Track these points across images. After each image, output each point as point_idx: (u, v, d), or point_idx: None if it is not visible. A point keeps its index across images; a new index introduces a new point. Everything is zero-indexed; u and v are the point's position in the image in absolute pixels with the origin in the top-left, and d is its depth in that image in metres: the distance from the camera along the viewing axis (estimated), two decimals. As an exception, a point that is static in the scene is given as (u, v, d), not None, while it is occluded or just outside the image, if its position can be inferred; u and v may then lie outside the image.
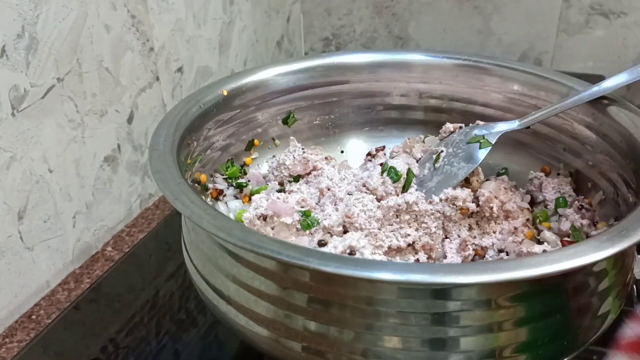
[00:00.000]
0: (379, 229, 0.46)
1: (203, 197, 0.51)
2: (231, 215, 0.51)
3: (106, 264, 0.60)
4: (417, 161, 0.54)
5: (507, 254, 0.46)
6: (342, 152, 0.62)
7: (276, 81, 0.56)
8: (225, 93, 0.52)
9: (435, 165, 0.51)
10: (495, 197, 0.48)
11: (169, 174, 0.39)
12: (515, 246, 0.45)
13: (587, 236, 0.47)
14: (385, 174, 0.49)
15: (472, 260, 0.46)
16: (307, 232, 0.46)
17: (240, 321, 0.37)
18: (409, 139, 0.57)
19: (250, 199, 0.51)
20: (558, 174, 0.54)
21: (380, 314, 0.33)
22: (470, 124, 0.54)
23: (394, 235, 0.46)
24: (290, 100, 0.58)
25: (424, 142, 0.57)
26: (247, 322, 0.37)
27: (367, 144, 0.61)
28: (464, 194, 0.47)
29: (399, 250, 0.45)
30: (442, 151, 0.52)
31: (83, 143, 0.58)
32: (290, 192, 0.50)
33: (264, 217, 0.46)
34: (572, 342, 0.35)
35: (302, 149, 0.56)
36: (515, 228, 0.47)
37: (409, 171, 0.50)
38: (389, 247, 0.45)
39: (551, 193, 0.51)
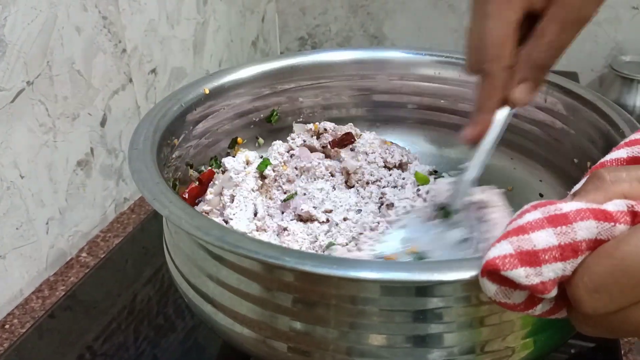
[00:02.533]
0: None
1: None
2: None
3: (81, 271, 0.59)
4: None
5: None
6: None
7: (258, 79, 0.56)
8: (207, 91, 0.51)
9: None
10: None
11: (148, 173, 0.38)
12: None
13: None
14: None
15: None
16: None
17: (225, 323, 0.37)
18: None
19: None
20: (540, 181, 0.54)
21: (363, 313, 0.32)
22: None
23: None
24: (274, 99, 0.58)
25: None
26: (233, 324, 0.36)
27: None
28: None
29: None
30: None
31: (55, 147, 0.57)
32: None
33: (291, 155, 0.53)
34: (559, 332, 0.36)
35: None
36: None
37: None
38: None
39: None
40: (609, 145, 0.44)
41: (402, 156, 0.55)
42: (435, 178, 0.54)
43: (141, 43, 0.68)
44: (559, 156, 0.53)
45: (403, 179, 0.53)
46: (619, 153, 0.31)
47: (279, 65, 0.57)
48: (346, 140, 0.56)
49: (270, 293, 0.34)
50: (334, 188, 0.53)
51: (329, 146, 0.56)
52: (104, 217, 0.66)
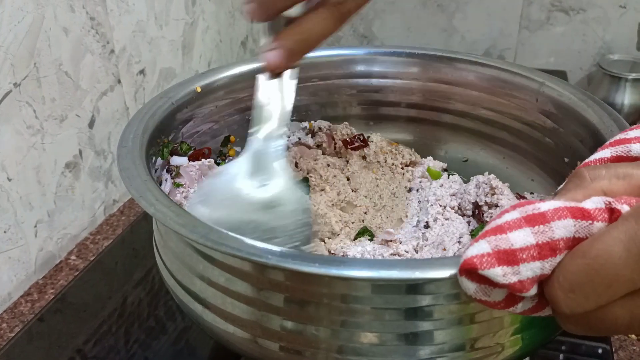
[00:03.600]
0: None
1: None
2: None
3: (70, 274, 0.59)
4: None
5: None
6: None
7: (250, 77, 0.56)
8: (198, 90, 0.51)
9: None
10: None
11: (136, 171, 0.38)
12: None
13: None
14: None
15: None
16: None
17: (216, 323, 0.36)
18: None
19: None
20: (532, 180, 0.54)
21: (353, 311, 0.32)
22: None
23: None
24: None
25: None
26: (223, 324, 0.36)
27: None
28: None
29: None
30: None
31: (43, 149, 0.56)
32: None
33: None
34: (544, 330, 0.36)
35: None
36: None
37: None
38: None
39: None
40: (598, 144, 0.44)
41: (411, 155, 0.57)
42: (449, 175, 0.54)
43: (129, 44, 0.67)
44: (550, 155, 0.53)
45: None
46: (603, 153, 0.31)
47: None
48: (359, 145, 0.56)
49: (260, 292, 0.34)
50: None
51: (338, 145, 0.57)
52: (93, 220, 0.65)
